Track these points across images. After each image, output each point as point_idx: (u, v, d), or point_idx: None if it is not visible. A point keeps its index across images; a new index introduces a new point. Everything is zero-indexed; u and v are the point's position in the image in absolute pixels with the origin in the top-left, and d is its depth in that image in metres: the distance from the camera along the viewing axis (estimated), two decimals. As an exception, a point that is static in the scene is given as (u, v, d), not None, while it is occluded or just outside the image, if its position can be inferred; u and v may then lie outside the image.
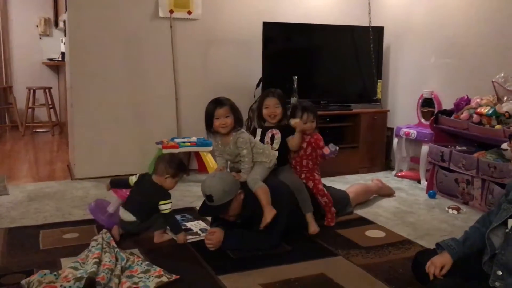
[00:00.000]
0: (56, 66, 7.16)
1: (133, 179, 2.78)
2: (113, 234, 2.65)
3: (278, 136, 2.90)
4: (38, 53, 7.22)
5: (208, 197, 2.52)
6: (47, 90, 6.58)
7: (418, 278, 2.19)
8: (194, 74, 4.40)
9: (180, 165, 2.83)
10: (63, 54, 6.57)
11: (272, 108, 2.94)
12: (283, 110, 2.94)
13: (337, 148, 3.06)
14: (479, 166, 3.28)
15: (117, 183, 2.87)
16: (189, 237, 2.74)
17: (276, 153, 2.84)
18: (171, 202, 2.70)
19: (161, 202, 2.66)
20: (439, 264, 2.00)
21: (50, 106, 6.62)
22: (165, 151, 3.91)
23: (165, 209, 2.67)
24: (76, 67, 4.04)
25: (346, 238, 2.81)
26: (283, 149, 2.90)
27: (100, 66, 4.07)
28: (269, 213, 2.54)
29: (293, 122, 2.87)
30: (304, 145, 2.97)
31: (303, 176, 3.00)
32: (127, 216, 2.68)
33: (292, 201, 2.79)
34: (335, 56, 4.55)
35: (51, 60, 7.08)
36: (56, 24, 7.16)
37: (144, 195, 2.71)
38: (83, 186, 3.86)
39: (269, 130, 2.93)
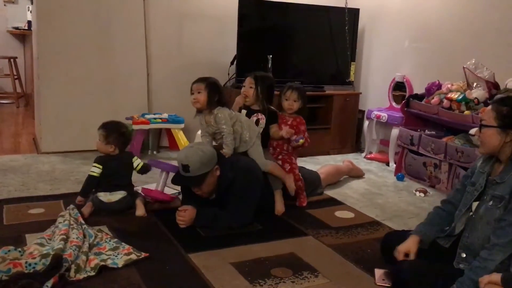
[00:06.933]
0: (22, 35, 6.88)
1: (95, 170, 2.71)
2: (83, 211, 2.61)
3: (263, 121, 2.90)
4: (2, 21, 6.89)
5: (184, 167, 2.48)
6: (12, 60, 6.33)
7: (386, 259, 2.23)
8: (167, 50, 4.30)
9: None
10: (29, 23, 6.31)
11: (246, 87, 2.95)
12: (261, 93, 2.92)
13: (301, 139, 2.97)
14: (447, 150, 3.36)
15: (86, 189, 2.74)
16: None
17: (258, 129, 2.85)
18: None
19: (134, 160, 2.83)
20: (402, 251, 2.04)
21: (16, 76, 6.38)
22: (135, 127, 3.84)
23: (139, 163, 2.83)
24: (43, 37, 3.89)
25: (316, 218, 2.83)
26: (265, 134, 2.90)
27: (68, 37, 3.92)
28: (290, 180, 2.86)
29: (285, 130, 2.91)
30: (287, 127, 2.97)
31: (280, 157, 3.00)
32: (111, 197, 2.70)
33: (263, 180, 2.78)
34: (310, 36, 4.53)
35: (16, 28, 6.79)
36: (22, -9, 6.85)
37: (121, 167, 2.78)
38: (50, 161, 3.76)
39: (255, 114, 2.93)
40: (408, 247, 2.04)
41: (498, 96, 2.66)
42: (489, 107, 1.92)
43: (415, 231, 2.11)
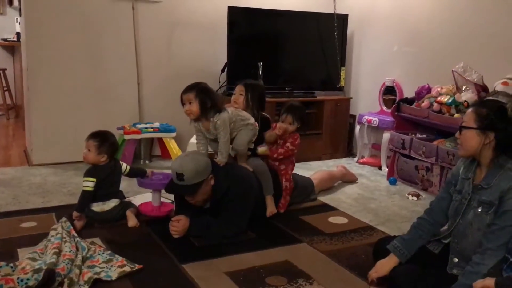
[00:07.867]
0: (11, 47, 6.83)
1: (89, 184, 2.65)
2: (76, 223, 2.59)
3: (256, 128, 2.89)
4: (-10, 32, 6.87)
5: (179, 176, 2.46)
6: (1, 72, 6.28)
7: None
8: (157, 58, 4.30)
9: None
10: (18, 34, 6.28)
11: (236, 95, 2.97)
12: (252, 100, 2.93)
13: (260, 148, 3.01)
14: (438, 153, 3.37)
15: (83, 205, 2.67)
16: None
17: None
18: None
19: (122, 164, 2.84)
20: (381, 276, 2.03)
21: (5, 88, 6.34)
22: (127, 137, 3.83)
23: (126, 168, 2.86)
24: (32, 49, 3.87)
25: (310, 225, 2.83)
26: (258, 141, 2.91)
27: (58, 48, 3.91)
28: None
29: (277, 127, 2.98)
30: (280, 141, 3.03)
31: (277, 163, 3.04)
32: (104, 206, 2.70)
33: (258, 189, 2.79)
34: (300, 42, 4.55)
35: (5, 40, 6.75)
36: (10, 3, 6.82)
37: (112, 175, 2.77)
38: (41, 173, 3.73)
39: None
40: (386, 272, 2.02)
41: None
42: (470, 109, 1.93)
43: (393, 247, 2.05)
